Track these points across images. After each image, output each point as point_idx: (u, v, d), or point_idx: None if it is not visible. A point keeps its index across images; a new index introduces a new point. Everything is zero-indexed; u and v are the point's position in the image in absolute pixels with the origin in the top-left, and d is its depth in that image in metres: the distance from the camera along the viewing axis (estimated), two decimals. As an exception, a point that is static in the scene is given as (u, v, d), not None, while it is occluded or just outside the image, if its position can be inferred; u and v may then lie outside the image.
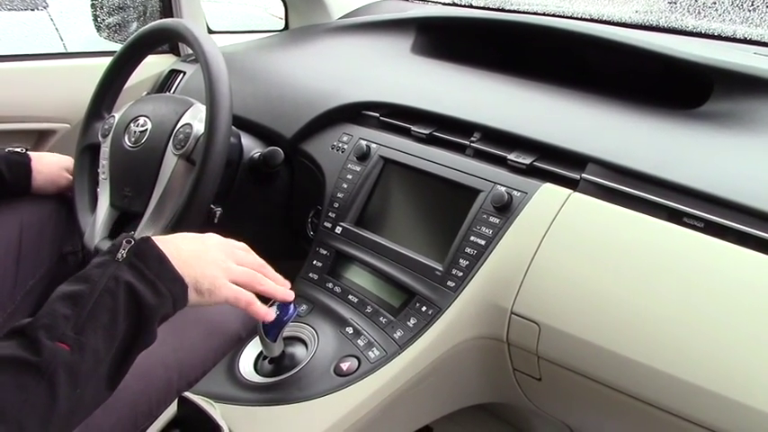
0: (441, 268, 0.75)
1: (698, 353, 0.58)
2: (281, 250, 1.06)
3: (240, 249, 0.67)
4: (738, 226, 0.61)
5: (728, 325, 0.57)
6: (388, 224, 0.84)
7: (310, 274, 0.86)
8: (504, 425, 1.08)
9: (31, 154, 0.98)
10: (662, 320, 0.60)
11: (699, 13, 1.14)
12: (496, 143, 0.81)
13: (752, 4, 1.08)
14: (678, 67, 0.87)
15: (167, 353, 0.74)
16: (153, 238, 0.59)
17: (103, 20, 1.34)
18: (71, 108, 1.26)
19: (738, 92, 0.80)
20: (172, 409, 0.67)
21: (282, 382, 0.70)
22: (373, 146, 0.89)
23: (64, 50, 1.67)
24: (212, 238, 0.66)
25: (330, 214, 0.88)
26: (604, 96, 0.88)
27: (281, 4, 1.54)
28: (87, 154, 0.99)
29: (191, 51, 1.19)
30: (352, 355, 0.72)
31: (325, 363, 0.72)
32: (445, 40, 1.17)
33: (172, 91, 1.26)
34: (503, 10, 1.35)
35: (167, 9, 1.39)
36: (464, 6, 1.46)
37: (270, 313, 0.66)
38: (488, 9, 1.40)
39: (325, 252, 0.87)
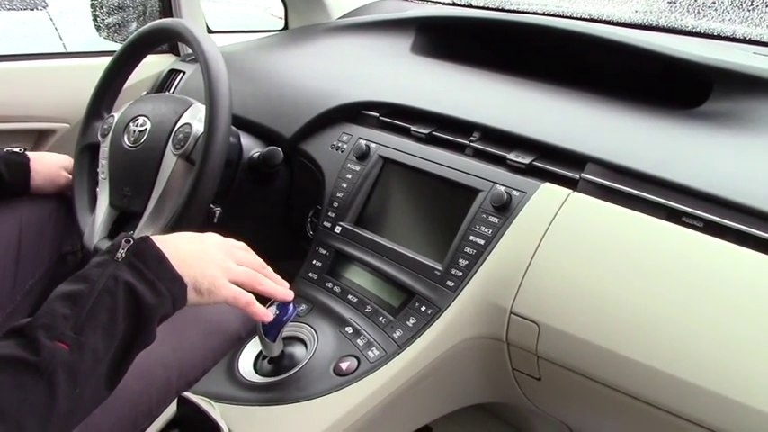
0: (440, 268, 0.75)
1: (697, 352, 0.58)
2: (281, 250, 1.06)
3: (239, 249, 0.67)
4: (737, 225, 0.61)
5: (728, 324, 0.57)
6: (388, 224, 0.84)
7: (310, 274, 0.86)
8: (503, 425, 1.08)
9: (30, 154, 0.98)
10: (661, 320, 0.60)
11: (698, 12, 1.14)
12: (496, 143, 0.81)
13: (751, 4, 1.08)
14: (678, 67, 0.87)
15: (167, 352, 0.74)
16: (152, 237, 0.59)
17: (103, 19, 1.34)
18: (70, 108, 1.26)
19: (738, 92, 0.80)
20: (171, 408, 0.67)
21: (282, 382, 0.70)
22: (373, 145, 0.89)
23: (63, 50, 1.67)
24: (211, 238, 0.66)
25: (330, 214, 0.88)
26: (604, 96, 0.88)
27: (281, 3, 1.54)
28: (87, 153, 0.99)
29: (190, 51, 1.19)
30: (352, 355, 0.72)
31: (324, 362, 0.72)
32: (445, 40, 1.17)
33: (171, 91, 1.26)
34: (502, 10, 1.35)
35: (167, 9, 1.39)
36: (464, 6, 1.46)
37: (269, 313, 0.65)
38: (488, 9, 1.40)
39: (324, 252, 0.87)
